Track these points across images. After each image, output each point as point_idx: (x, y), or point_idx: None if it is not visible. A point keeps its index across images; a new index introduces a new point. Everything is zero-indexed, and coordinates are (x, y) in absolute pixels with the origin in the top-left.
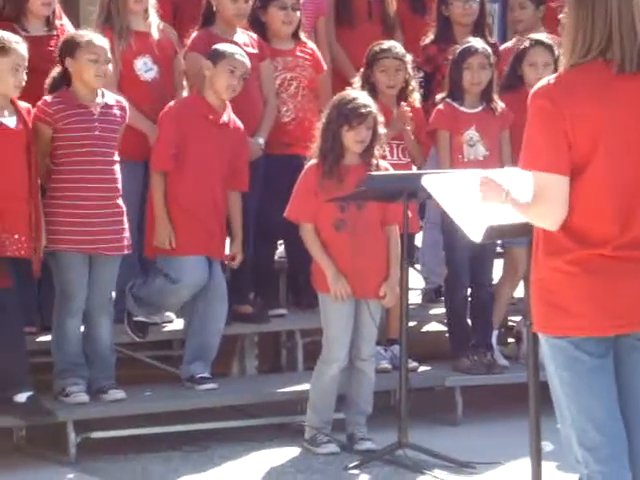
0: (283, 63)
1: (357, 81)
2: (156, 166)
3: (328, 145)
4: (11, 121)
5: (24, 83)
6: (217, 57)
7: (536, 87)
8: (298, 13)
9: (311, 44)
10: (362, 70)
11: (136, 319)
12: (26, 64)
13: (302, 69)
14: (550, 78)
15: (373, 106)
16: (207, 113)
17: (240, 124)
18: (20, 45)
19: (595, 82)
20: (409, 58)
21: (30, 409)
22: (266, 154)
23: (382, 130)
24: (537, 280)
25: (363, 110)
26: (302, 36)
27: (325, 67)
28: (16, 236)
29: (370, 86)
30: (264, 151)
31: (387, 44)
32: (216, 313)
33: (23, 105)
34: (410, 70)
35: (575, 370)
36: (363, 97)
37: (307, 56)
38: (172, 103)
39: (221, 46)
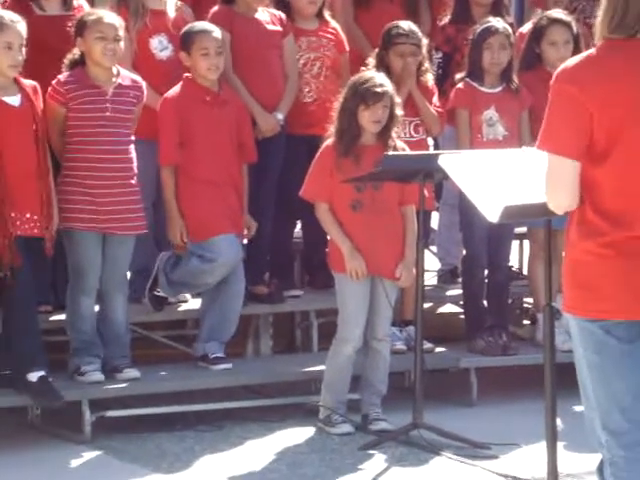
0: (307, 43)
1: (371, 62)
2: (164, 161)
3: (344, 125)
4: (15, 100)
5: (19, 61)
6: (188, 45)
7: (560, 69)
8: None
9: (334, 23)
10: (377, 50)
11: (157, 294)
12: (24, 43)
13: (326, 49)
14: (575, 59)
15: (389, 86)
16: (203, 96)
17: (238, 97)
18: (16, 23)
19: (625, 63)
20: (425, 41)
21: (40, 390)
22: (287, 134)
23: (399, 112)
24: (569, 262)
25: (379, 89)
26: (326, 15)
27: (348, 47)
28: (27, 215)
29: (385, 68)
30: (284, 129)
31: (404, 28)
32: (235, 292)
33: (28, 83)
34: (425, 51)
35: (604, 354)
36: (379, 77)
37: (331, 36)
38: (167, 94)
39: (189, 31)
